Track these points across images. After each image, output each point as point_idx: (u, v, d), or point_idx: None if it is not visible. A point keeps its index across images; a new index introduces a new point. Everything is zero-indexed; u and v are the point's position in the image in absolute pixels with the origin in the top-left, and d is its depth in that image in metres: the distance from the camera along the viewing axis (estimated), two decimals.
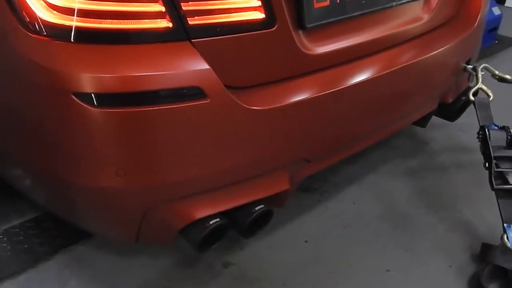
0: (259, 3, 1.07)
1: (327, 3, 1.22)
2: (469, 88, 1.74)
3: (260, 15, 1.08)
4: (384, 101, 1.43)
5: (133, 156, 1.04)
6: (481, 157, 1.60)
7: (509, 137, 1.58)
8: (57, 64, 0.97)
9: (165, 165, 1.06)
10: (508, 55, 3.29)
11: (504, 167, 1.53)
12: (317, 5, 1.20)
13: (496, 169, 1.53)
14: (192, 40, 1.01)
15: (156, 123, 1.01)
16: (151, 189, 1.09)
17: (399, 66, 1.39)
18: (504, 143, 1.58)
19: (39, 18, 0.97)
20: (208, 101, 1.02)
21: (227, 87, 1.06)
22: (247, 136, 1.12)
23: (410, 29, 1.48)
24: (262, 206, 1.23)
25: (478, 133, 1.61)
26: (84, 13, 0.96)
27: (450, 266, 1.53)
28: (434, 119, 1.99)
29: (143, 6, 0.97)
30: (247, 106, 1.08)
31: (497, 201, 1.50)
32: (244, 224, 1.22)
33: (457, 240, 1.63)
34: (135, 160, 1.04)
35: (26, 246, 1.49)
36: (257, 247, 1.57)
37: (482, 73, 1.73)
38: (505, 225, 1.46)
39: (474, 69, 1.72)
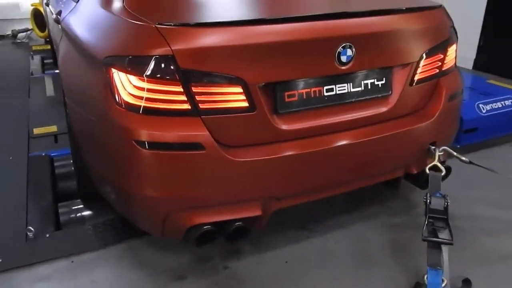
0: (244, 97, 1.79)
1: (295, 98, 1.91)
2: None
3: (245, 104, 1.80)
4: (339, 165, 2.02)
5: (163, 177, 1.80)
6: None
7: (446, 203, 2.06)
8: (128, 125, 1.77)
9: (179, 186, 1.80)
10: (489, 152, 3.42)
11: (437, 225, 2.02)
12: (287, 100, 1.89)
13: (431, 226, 2.02)
14: (202, 117, 1.77)
15: (176, 161, 1.77)
16: (170, 199, 1.82)
17: (352, 142, 1.99)
18: (442, 208, 2.06)
19: (124, 100, 1.79)
20: (205, 151, 1.75)
21: (221, 144, 1.79)
22: (230, 177, 1.82)
23: (368, 117, 2.07)
24: (240, 223, 1.90)
25: (423, 198, 2.12)
26: (147, 99, 1.76)
27: None
28: None
29: (175, 97, 1.75)
30: (231, 158, 1.79)
31: (427, 249, 1.98)
32: (227, 233, 1.90)
33: (404, 279, 2.10)
34: (164, 180, 1.80)
35: (102, 235, 2.33)
36: (250, 260, 2.21)
37: (441, 153, 2.25)
38: (428, 268, 1.93)
39: (434, 150, 2.24)
